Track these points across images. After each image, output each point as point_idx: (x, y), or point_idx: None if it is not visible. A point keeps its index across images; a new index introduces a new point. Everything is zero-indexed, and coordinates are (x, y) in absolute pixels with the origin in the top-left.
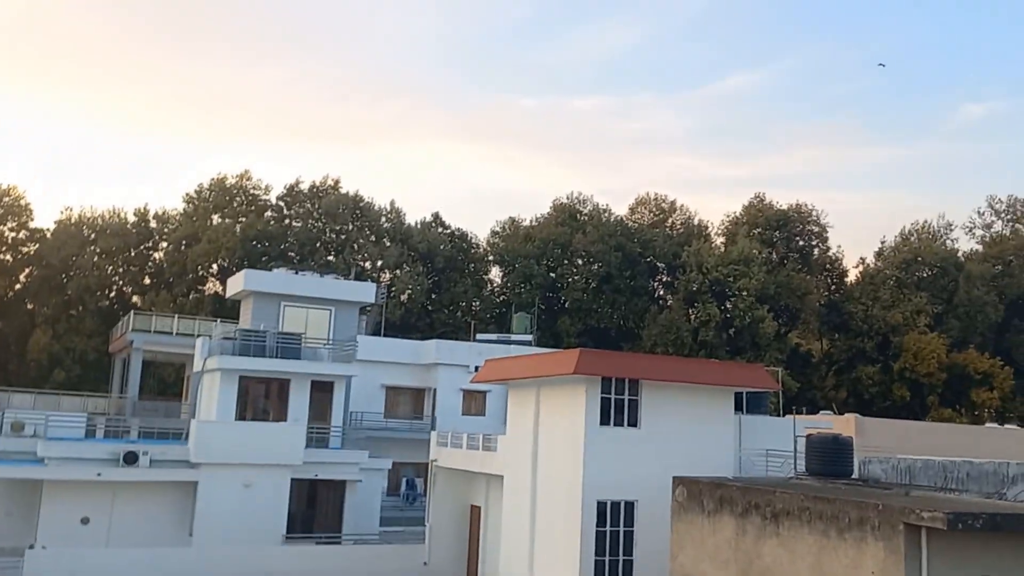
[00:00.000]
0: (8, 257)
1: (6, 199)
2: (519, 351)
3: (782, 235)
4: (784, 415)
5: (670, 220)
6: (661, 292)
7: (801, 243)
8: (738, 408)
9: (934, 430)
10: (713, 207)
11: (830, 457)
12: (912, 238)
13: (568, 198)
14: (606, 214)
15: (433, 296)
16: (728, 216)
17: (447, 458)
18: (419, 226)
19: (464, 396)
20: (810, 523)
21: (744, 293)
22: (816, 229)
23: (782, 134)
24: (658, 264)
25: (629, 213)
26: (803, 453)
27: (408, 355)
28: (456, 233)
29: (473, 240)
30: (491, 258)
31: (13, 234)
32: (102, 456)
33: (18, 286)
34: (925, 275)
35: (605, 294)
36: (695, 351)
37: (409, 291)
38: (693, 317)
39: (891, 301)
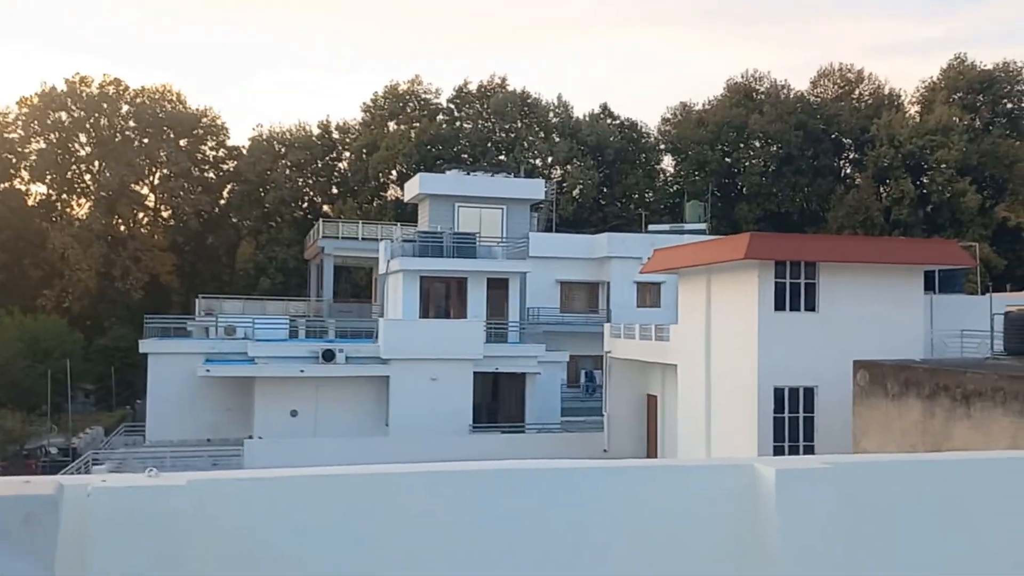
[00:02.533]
0: (212, 175)
1: (204, 119)
2: (693, 241)
3: (986, 99)
4: (986, 294)
5: (857, 91)
6: (848, 170)
7: (1009, 106)
8: (930, 288)
9: None
10: (906, 73)
11: None
12: None
13: (743, 76)
14: (784, 91)
15: (604, 189)
16: (923, 82)
17: (621, 349)
18: (587, 119)
19: (638, 288)
20: (1004, 404)
21: (943, 165)
22: None
23: None
24: (844, 140)
25: (810, 87)
26: (1001, 332)
27: (581, 250)
28: (626, 123)
29: (643, 129)
30: (663, 147)
31: (214, 152)
32: (303, 354)
33: (222, 202)
34: None
35: (786, 176)
36: (887, 231)
37: (580, 186)
38: (885, 195)
39: None
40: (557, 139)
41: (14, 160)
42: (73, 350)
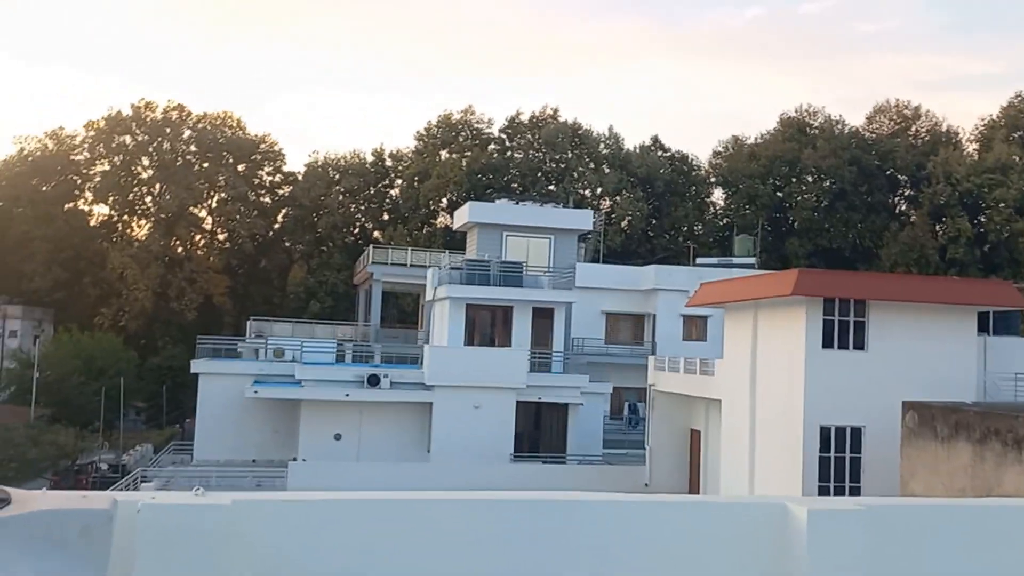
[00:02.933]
0: (267, 200)
1: (263, 146)
2: (742, 275)
3: None
4: None
5: (913, 128)
6: (903, 207)
7: None
8: (983, 329)
9: None
10: (964, 111)
11: None
12: None
13: (797, 111)
14: (839, 126)
15: (653, 221)
16: (983, 120)
17: (665, 382)
18: (638, 151)
19: (684, 321)
20: None
21: (1001, 204)
22: None
23: None
24: (899, 177)
25: (865, 123)
26: None
27: (627, 281)
28: (676, 156)
29: (694, 162)
30: (713, 180)
31: (270, 178)
32: (349, 379)
33: (276, 226)
34: None
35: (838, 212)
36: (942, 270)
37: (629, 217)
38: (940, 233)
39: None
40: (607, 170)
41: (79, 181)
42: (127, 368)
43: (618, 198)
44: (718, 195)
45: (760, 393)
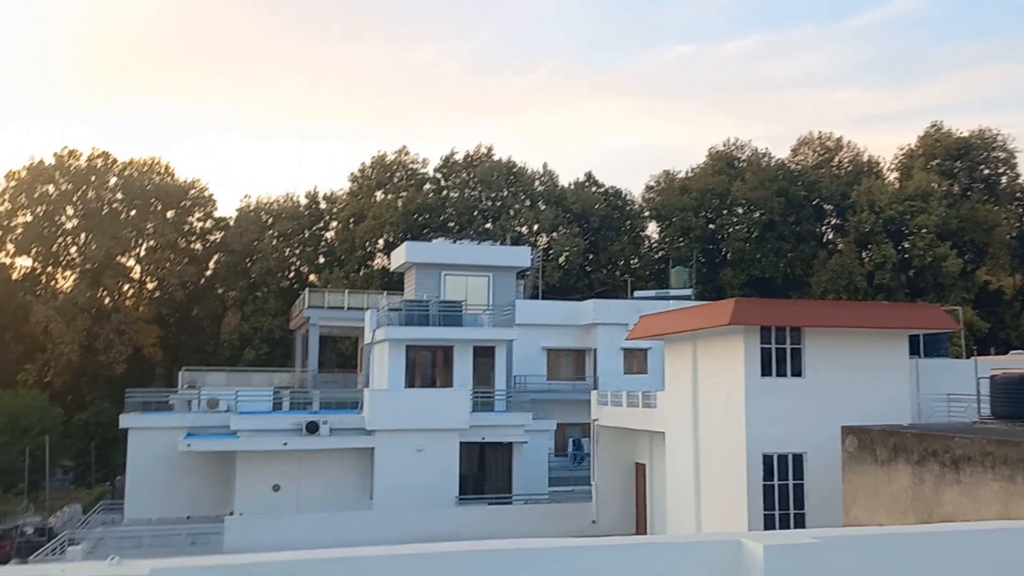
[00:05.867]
0: (198, 246)
1: (192, 191)
2: (679, 307)
3: (964, 165)
4: (971, 357)
5: (836, 159)
6: (830, 236)
7: (986, 172)
8: (915, 352)
9: None
10: (884, 142)
11: (1017, 398)
12: None
13: (725, 145)
14: (766, 159)
15: (590, 256)
16: (901, 149)
17: (608, 417)
18: (573, 187)
19: (625, 355)
20: (994, 468)
21: (923, 231)
22: (1003, 155)
23: (955, 56)
24: (825, 206)
25: (791, 155)
26: (987, 396)
27: (567, 316)
28: (610, 191)
29: (628, 197)
30: (647, 214)
31: (201, 224)
32: (287, 427)
33: (208, 272)
34: None
35: (769, 242)
36: (871, 296)
37: (566, 253)
38: (867, 260)
39: None
40: (543, 207)
41: (0, 234)
42: (52, 426)
43: (555, 234)
44: (652, 228)
45: (703, 424)
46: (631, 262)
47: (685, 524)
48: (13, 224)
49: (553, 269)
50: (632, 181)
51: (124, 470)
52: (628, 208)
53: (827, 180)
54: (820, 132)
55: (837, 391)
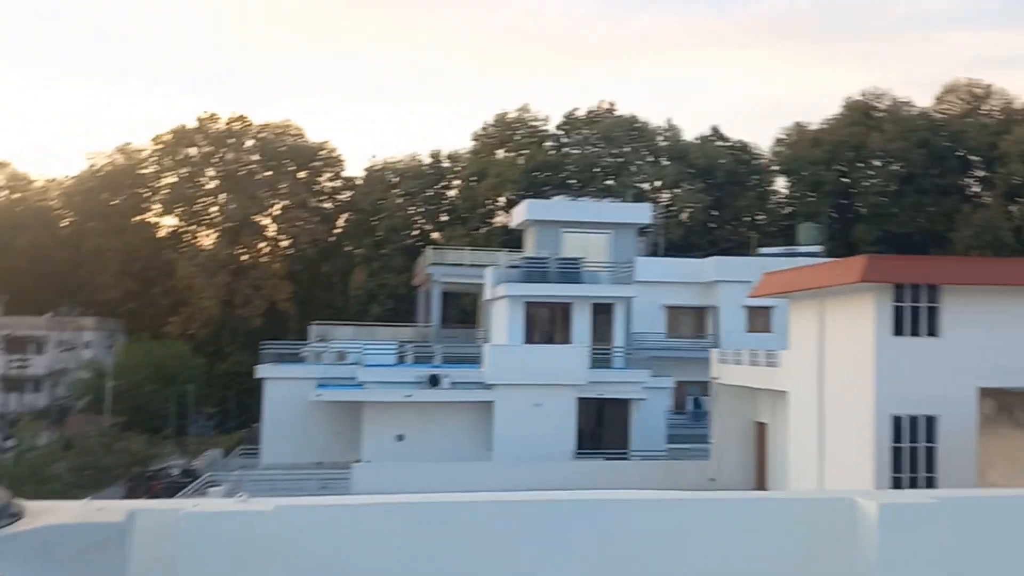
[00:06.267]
0: (328, 205)
1: (322, 152)
2: (807, 264)
3: None
4: None
5: (985, 107)
6: (976, 189)
7: None
8: None
9: None
10: None
11: None
12: None
13: (862, 95)
14: (907, 108)
15: (714, 212)
16: None
17: (729, 375)
18: (697, 142)
19: (748, 313)
20: None
21: None
22: None
23: None
24: (971, 158)
25: (934, 104)
26: None
27: (688, 274)
28: (736, 145)
29: (755, 151)
30: (775, 168)
31: (330, 183)
32: (411, 380)
33: (337, 231)
34: None
35: (908, 196)
36: (1018, 252)
37: (689, 209)
38: (1016, 214)
39: None
40: (665, 163)
41: (147, 194)
42: (196, 375)
43: (678, 190)
44: (781, 183)
45: (828, 383)
46: (757, 218)
47: (807, 485)
48: (159, 185)
49: (675, 226)
50: (760, 135)
51: (260, 417)
52: (755, 162)
53: (974, 129)
54: (968, 78)
55: (975, 352)
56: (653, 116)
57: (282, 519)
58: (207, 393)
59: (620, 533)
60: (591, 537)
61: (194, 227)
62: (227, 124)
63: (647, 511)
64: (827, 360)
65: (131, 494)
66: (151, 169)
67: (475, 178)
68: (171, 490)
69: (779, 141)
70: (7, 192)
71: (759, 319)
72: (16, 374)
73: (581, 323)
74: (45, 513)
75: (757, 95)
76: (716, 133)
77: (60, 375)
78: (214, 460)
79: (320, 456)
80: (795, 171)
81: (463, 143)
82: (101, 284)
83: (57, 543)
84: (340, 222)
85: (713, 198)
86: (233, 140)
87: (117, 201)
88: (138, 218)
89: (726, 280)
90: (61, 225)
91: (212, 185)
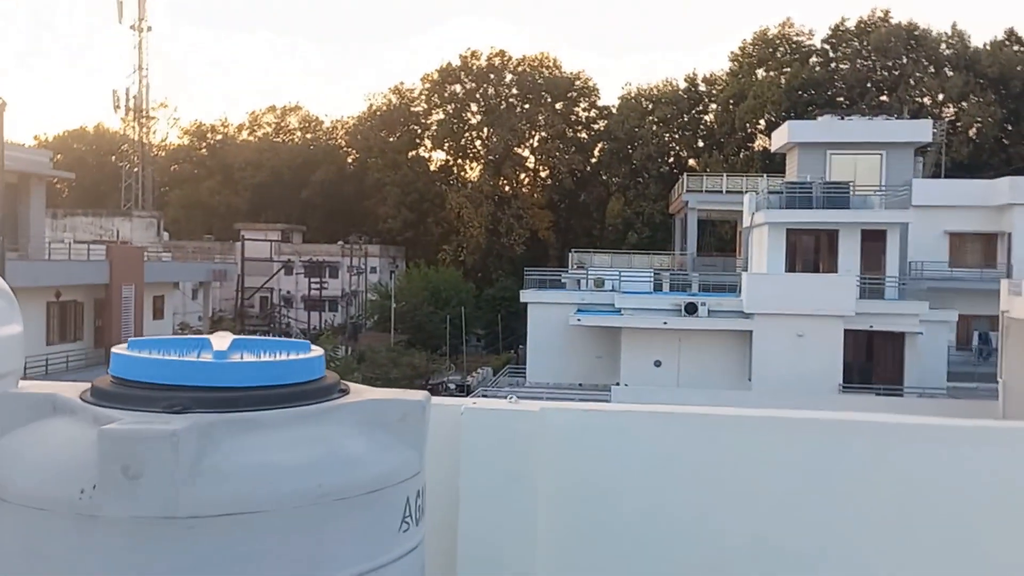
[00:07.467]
0: (584, 135)
1: (577, 83)
2: None
3: None
4: None
5: None
6: None
7: None
8: None
9: None
10: None
11: None
12: None
13: None
14: None
15: (1009, 127)
16: None
17: (1022, 309)
18: (988, 48)
19: None
20: None
21: None
22: None
23: None
24: None
25: None
26: None
27: (975, 197)
28: None
29: None
30: None
31: (586, 114)
32: (667, 307)
33: (593, 160)
34: None
35: None
36: None
37: (978, 124)
38: None
39: None
40: (950, 73)
41: (419, 130)
42: (466, 299)
43: (964, 104)
44: None
45: None
46: None
47: None
48: (429, 122)
49: (961, 144)
50: None
51: (525, 339)
52: None
53: None
54: None
55: None
56: (935, 22)
57: (547, 420)
58: (477, 315)
59: (897, 458)
60: (865, 459)
61: (460, 160)
62: (488, 60)
63: (928, 437)
64: None
65: None
66: (421, 107)
67: (733, 101)
68: None
69: None
70: (301, 133)
71: None
72: (316, 295)
73: (849, 251)
74: (364, 392)
75: None
76: (1012, 36)
77: (352, 296)
78: (485, 377)
79: (581, 378)
80: None
81: (720, 65)
82: (383, 215)
83: (377, 413)
84: (596, 151)
85: (1007, 111)
86: (493, 76)
87: (393, 138)
88: (412, 153)
89: (1022, 203)
90: (347, 161)
91: (475, 120)
